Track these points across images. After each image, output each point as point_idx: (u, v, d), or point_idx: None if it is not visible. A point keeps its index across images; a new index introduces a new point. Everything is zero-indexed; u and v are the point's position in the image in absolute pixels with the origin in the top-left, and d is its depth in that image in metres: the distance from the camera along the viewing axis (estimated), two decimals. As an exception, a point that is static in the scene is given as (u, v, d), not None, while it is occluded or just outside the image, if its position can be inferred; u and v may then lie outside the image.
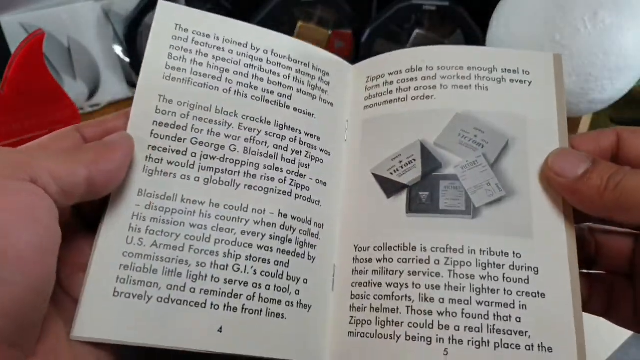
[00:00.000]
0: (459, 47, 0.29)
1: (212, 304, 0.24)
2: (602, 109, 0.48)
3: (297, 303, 0.25)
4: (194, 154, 0.26)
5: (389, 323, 0.24)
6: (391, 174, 0.27)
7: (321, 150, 0.28)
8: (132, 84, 0.61)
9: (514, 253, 0.25)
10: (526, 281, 0.24)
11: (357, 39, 0.60)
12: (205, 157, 0.26)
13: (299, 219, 0.27)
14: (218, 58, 0.28)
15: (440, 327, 0.23)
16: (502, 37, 0.46)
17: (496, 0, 0.49)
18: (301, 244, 0.26)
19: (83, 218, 0.26)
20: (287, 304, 0.25)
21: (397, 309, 0.24)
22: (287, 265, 0.26)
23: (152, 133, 0.26)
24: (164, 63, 0.27)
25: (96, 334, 0.23)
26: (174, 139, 0.26)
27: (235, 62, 0.28)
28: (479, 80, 0.28)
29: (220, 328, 0.24)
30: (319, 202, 0.27)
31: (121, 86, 0.61)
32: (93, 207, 0.25)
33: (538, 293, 0.24)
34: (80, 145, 0.24)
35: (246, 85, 0.28)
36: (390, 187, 0.27)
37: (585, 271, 0.28)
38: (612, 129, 0.26)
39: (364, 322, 0.25)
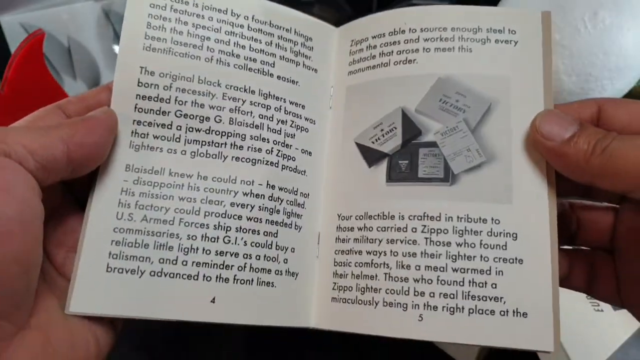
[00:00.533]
0: (443, 7, 0.27)
1: (204, 276, 0.25)
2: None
3: (286, 271, 0.26)
4: (179, 127, 0.26)
5: (368, 289, 0.25)
6: (373, 142, 0.27)
7: (306, 119, 0.28)
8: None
9: (492, 219, 0.24)
10: (504, 247, 0.24)
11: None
12: (191, 129, 0.26)
13: (285, 190, 0.27)
14: (198, 26, 0.27)
15: (416, 293, 0.24)
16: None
17: (496, 0, 0.47)
18: (288, 214, 0.27)
19: (76, 199, 0.26)
20: (277, 272, 0.26)
21: (376, 275, 0.25)
22: (275, 235, 0.26)
23: (136, 107, 0.26)
24: (143, 33, 0.26)
25: (91, 309, 0.24)
26: (158, 112, 0.26)
27: (216, 30, 0.27)
28: (463, 41, 0.27)
29: (213, 299, 0.25)
30: (305, 172, 0.28)
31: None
32: (87, 187, 0.25)
33: (516, 259, 0.24)
34: (62, 121, 0.24)
35: (228, 54, 0.27)
36: (371, 156, 0.27)
37: (566, 247, 0.28)
38: (593, 99, 0.25)
39: (345, 288, 0.26)
